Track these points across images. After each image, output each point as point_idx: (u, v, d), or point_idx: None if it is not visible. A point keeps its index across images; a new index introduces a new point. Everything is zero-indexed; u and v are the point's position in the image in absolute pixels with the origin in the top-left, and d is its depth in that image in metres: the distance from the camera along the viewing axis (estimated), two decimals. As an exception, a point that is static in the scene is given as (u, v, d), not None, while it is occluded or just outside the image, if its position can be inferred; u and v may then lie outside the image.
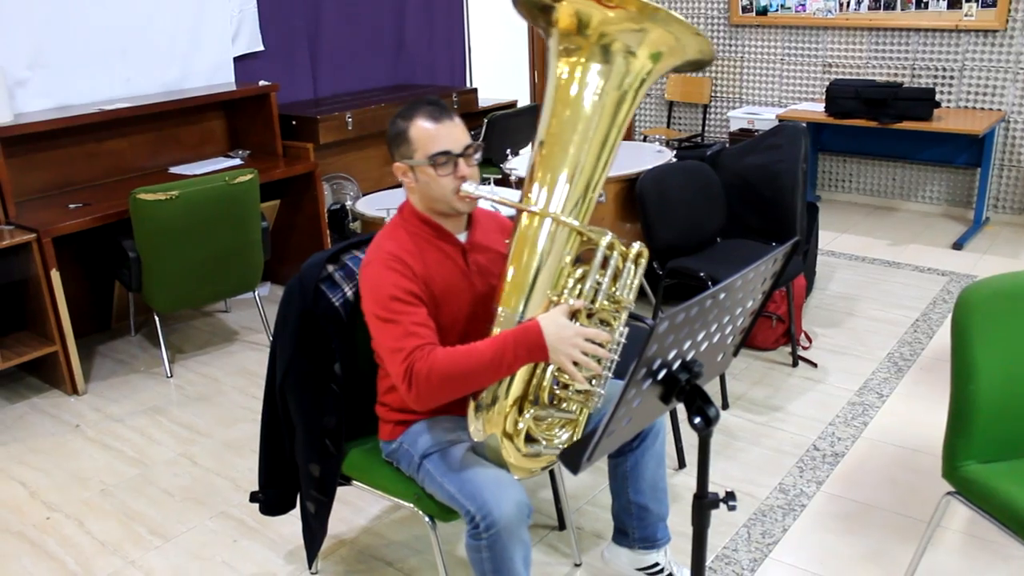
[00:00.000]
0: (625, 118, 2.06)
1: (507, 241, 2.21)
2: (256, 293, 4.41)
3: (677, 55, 2.04)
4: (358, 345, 2.41)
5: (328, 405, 2.38)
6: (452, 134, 2.11)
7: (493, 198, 2.07)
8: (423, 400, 1.99)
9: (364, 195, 5.10)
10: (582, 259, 2.09)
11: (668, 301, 4.36)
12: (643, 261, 2.09)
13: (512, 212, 2.36)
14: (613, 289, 2.06)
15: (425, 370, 1.96)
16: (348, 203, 5.37)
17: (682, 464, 3.22)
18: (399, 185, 4.63)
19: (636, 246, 2.08)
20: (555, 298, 2.05)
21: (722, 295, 1.67)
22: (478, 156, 2.16)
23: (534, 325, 1.98)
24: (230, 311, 4.90)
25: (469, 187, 2.10)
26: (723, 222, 4.11)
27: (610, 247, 2.04)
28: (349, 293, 2.38)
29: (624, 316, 2.06)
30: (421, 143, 2.09)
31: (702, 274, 3.62)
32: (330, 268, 2.39)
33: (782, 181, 4.01)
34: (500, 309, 2.07)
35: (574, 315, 2.03)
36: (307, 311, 2.35)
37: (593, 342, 1.98)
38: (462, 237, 2.21)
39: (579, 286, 2.06)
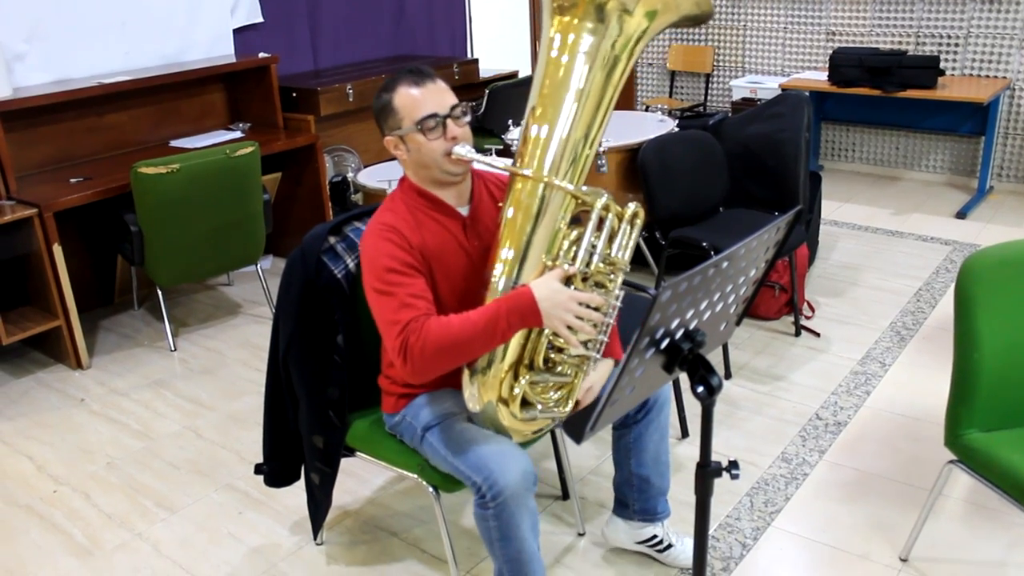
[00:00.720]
0: (621, 78, 2.03)
1: (500, 205, 2.20)
2: (258, 266, 4.40)
3: (672, 10, 2.01)
4: (360, 317, 2.41)
5: (331, 377, 2.39)
6: (436, 97, 2.08)
7: (484, 159, 2.05)
8: (419, 373, 1.98)
9: (365, 167, 5.09)
10: (580, 220, 2.08)
11: (671, 271, 4.35)
12: (639, 222, 2.07)
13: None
14: (608, 251, 2.04)
15: (419, 343, 1.96)
16: (349, 175, 5.36)
17: (685, 433, 3.22)
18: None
19: (632, 207, 2.06)
20: (549, 263, 2.03)
21: (725, 264, 1.66)
22: (467, 117, 2.14)
23: (526, 291, 1.97)
24: (232, 284, 4.90)
25: (460, 149, 2.08)
26: (726, 192, 4.10)
27: (605, 208, 2.02)
28: (351, 265, 2.37)
29: (620, 279, 2.04)
30: (407, 110, 2.07)
31: (704, 244, 3.61)
32: (332, 240, 2.39)
33: (785, 150, 3.99)
34: (493, 276, 2.06)
35: (569, 280, 2.02)
36: (309, 283, 2.35)
37: (588, 306, 1.98)
38: (464, 210, 2.20)
39: (574, 249, 2.05)
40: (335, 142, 5.48)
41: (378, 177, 4.23)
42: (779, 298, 4.07)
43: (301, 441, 2.52)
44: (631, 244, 2.06)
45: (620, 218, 2.06)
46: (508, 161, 2.06)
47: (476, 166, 2.20)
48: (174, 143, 4.66)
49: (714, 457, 1.79)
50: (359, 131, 5.58)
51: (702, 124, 4.36)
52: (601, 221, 2.03)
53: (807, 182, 4.11)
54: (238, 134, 4.80)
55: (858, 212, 5.61)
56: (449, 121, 2.08)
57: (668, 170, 3.90)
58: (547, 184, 2.01)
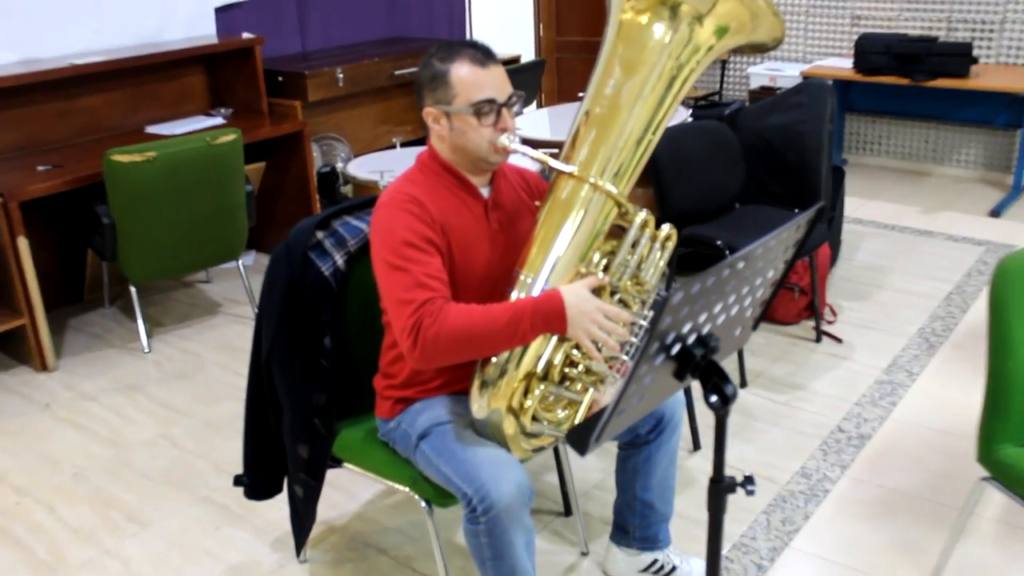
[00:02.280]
0: (681, 89, 2.06)
1: (537, 203, 2.22)
2: (240, 262, 4.40)
3: (744, 32, 2.05)
4: (349, 318, 2.41)
5: (317, 382, 2.39)
6: (497, 81, 2.09)
7: (533, 154, 2.06)
8: (427, 359, 1.99)
9: (356, 157, 5.09)
10: (609, 234, 2.11)
11: (682, 271, 4.35)
12: (670, 245, 2.12)
13: (538, 168, 2.36)
14: (639, 271, 2.09)
15: (434, 327, 1.96)
16: (339, 165, 5.36)
17: (697, 446, 3.23)
18: (393, 146, 4.62)
19: (665, 228, 2.11)
20: (583, 269, 2.06)
21: (740, 265, 1.66)
22: (518, 107, 2.15)
23: (556, 294, 1.98)
24: (212, 281, 4.91)
25: (506, 140, 2.09)
26: (742, 187, 4.10)
27: (643, 225, 2.07)
28: (340, 262, 2.37)
29: (648, 300, 2.10)
30: (463, 88, 2.07)
31: (719, 242, 3.61)
32: (319, 235, 2.39)
33: (806, 143, 3.99)
34: (523, 273, 2.07)
35: (597, 291, 2.04)
36: (295, 281, 2.35)
37: (613, 320, 1.99)
38: (485, 192, 2.21)
39: (605, 260, 2.08)
40: (324, 130, 5.48)
41: (369, 168, 4.23)
42: (799, 301, 4.07)
43: (284, 451, 2.52)
44: (660, 267, 2.11)
45: (654, 239, 2.10)
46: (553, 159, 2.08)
47: (519, 158, 2.21)
48: (150, 129, 4.67)
49: (728, 472, 1.79)
50: (350, 118, 5.59)
51: (717, 114, 4.36)
52: (637, 239, 2.07)
53: (829, 177, 4.12)
54: (219, 120, 4.80)
55: (884, 210, 5.62)
56: (504, 110, 2.10)
57: (680, 163, 3.90)
58: (593, 186, 2.03)
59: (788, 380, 3.67)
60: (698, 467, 3.12)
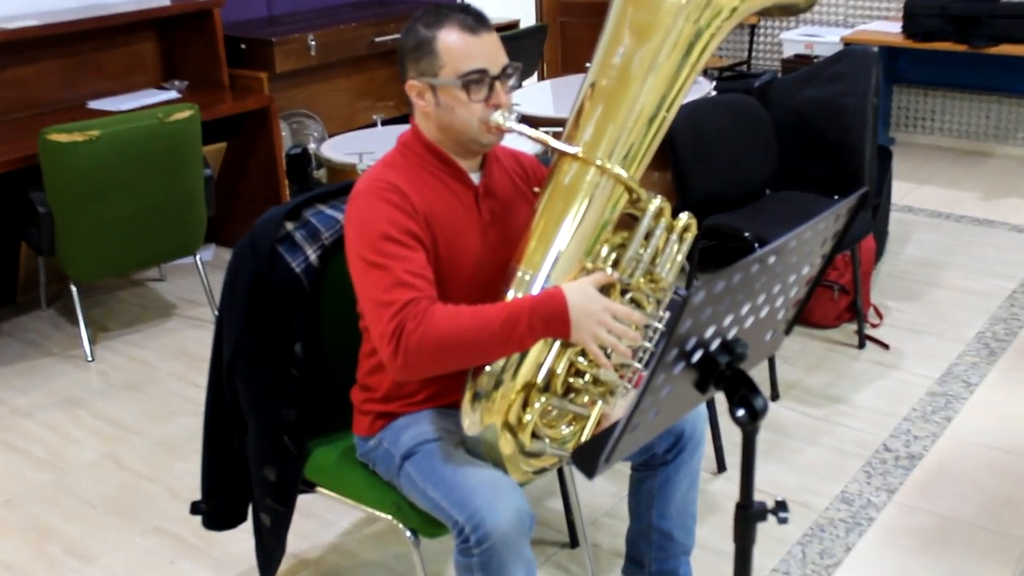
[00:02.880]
0: (699, 59, 2.07)
1: (536, 190, 2.23)
2: (197, 258, 4.41)
3: None
4: (324, 320, 2.42)
5: (287, 394, 2.39)
6: (490, 50, 2.10)
7: (531, 134, 2.06)
8: (410, 369, 1.99)
9: (331, 136, 5.10)
10: (619, 224, 2.11)
11: (705, 267, 4.36)
12: (689, 237, 2.13)
13: (536, 151, 2.36)
14: (653, 266, 2.09)
15: (418, 332, 1.97)
16: (311, 146, 5.36)
17: (722, 467, 3.23)
18: (373, 124, 4.62)
19: (683, 218, 2.12)
20: (589, 265, 2.07)
21: (772, 259, 1.67)
22: (514, 80, 2.15)
23: (558, 293, 1.99)
24: (165, 280, 4.91)
25: (500, 117, 2.09)
26: (773, 170, 4.11)
27: (658, 214, 2.07)
28: (313, 257, 2.38)
29: (664, 299, 2.11)
30: (452, 58, 2.08)
31: (747, 234, 3.62)
32: (289, 226, 2.40)
33: (847, 119, 4.00)
34: (520, 269, 2.08)
35: (606, 289, 2.05)
36: (261, 279, 2.36)
37: (624, 323, 2.00)
38: (475, 178, 2.22)
39: (616, 255, 2.09)
40: (294, 106, 5.49)
41: (347, 149, 4.24)
42: (839, 301, 4.08)
43: (248, 474, 2.52)
44: (678, 263, 2.12)
45: (670, 230, 2.11)
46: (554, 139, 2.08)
47: (514, 138, 2.21)
48: (93, 104, 4.67)
49: (758, 496, 1.80)
50: (323, 92, 5.60)
51: (745, 87, 4.36)
52: (650, 229, 2.08)
53: (874, 158, 4.12)
54: (173, 94, 4.81)
55: (938, 196, 5.63)
56: (497, 83, 2.10)
57: (701, 143, 3.91)
58: (600, 170, 2.04)
59: (826, 392, 3.68)
60: (723, 491, 3.13)
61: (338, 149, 4.27)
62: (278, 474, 2.44)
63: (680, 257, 2.12)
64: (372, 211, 2.08)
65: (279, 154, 4.94)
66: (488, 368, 2.06)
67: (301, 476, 2.45)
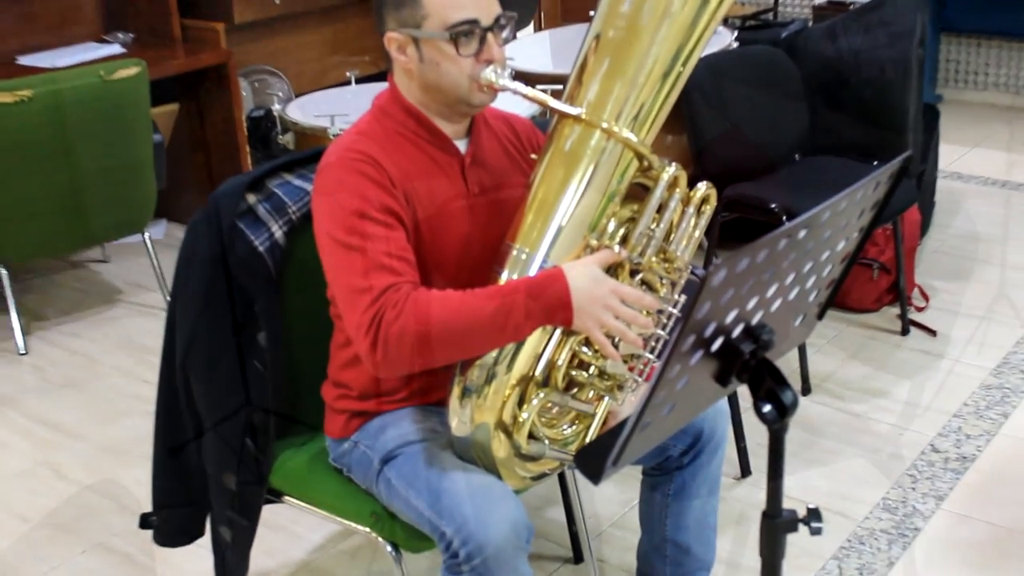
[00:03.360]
0: (719, 7, 2.06)
1: (533, 157, 2.22)
2: (146, 236, 4.40)
3: None
4: (290, 307, 2.42)
5: (249, 391, 2.40)
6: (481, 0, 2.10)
7: (527, 93, 2.06)
8: (390, 363, 2.00)
9: (298, 96, 5.09)
10: (628, 196, 2.11)
11: (726, 243, 4.36)
12: (708, 210, 2.13)
13: (532, 113, 2.36)
14: (667, 243, 2.09)
15: (399, 322, 1.96)
16: (275, 108, 5.35)
17: (745, 471, 3.24)
18: (347, 82, 4.61)
19: (702, 188, 2.11)
20: (594, 242, 2.06)
21: (802, 234, 1.67)
22: (508, 32, 2.15)
23: (558, 274, 1.99)
24: (110, 261, 4.91)
25: (492, 74, 2.09)
26: (804, 132, 4.11)
27: (673, 183, 2.07)
28: (278, 234, 2.38)
29: (680, 280, 2.11)
30: (437, 7, 2.07)
31: (774, 205, 3.62)
32: (251, 199, 2.39)
33: (888, 74, 3.99)
34: (514, 248, 2.08)
35: (613, 269, 2.05)
36: (219, 260, 2.36)
37: (633, 307, 2.00)
38: (462, 145, 2.22)
39: (624, 230, 2.09)
40: (255, 61, 5.47)
41: (316, 111, 4.23)
42: (879, 282, 4.09)
43: (206, 482, 2.53)
44: (695, 239, 2.12)
45: (686, 201, 2.11)
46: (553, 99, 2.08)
47: (507, 99, 2.21)
48: (24, 60, 4.65)
49: (787, 504, 1.80)
50: (289, 47, 5.58)
51: (771, 37, 4.36)
52: (664, 201, 2.07)
53: (919, 118, 4.12)
54: (117, 48, 4.79)
55: (992, 161, 5.62)
56: (489, 35, 2.10)
57: (723, 102, 3.90)
58: (606, 133, 2.03)
59: (865, 384, 3.69)
60: (747, 498, 3.13)
61: (307, 111, 4.26)
62: (240, 482, 2.44)
63: (697, 232, 2.12)
64: (344, 185, 2.07)
65: (239, 117, 4.93)
66: (479, 361, 2.06)
67: (266, 484, 2.45)
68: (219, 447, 2.44)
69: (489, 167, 2.24)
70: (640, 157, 2.06)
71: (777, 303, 1.74)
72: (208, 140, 5.04)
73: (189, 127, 5.05)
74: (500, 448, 2.11)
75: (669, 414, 1.70)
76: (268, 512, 2.50)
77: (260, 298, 2.38)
